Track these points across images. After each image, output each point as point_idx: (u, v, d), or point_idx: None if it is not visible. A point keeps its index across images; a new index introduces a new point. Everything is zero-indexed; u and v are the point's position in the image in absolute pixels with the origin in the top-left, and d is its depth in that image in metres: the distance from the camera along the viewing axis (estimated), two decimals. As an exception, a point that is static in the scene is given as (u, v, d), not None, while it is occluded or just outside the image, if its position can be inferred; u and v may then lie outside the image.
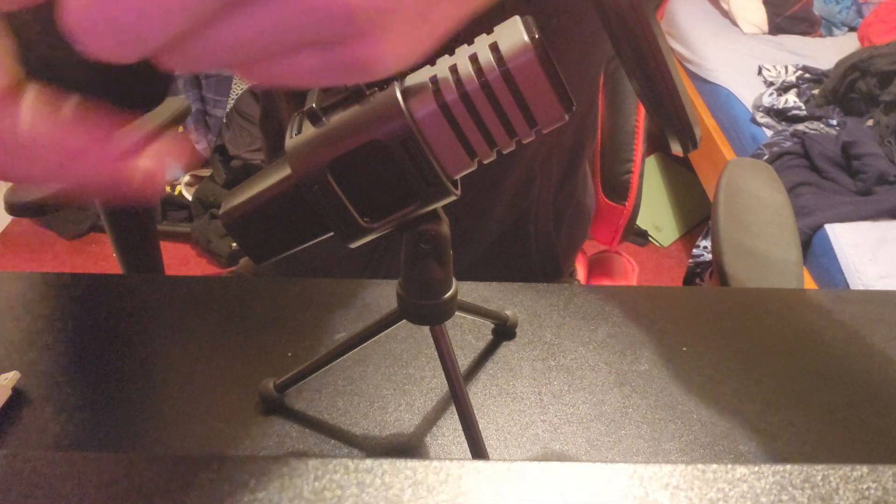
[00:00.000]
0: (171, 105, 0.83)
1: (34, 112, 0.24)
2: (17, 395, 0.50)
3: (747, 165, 0.82)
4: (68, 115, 0.24)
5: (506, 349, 0.55)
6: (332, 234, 0.39)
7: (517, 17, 0.34)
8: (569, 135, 0.73)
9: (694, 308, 0.60)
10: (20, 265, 2.05)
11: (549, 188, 0.74)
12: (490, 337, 0.57)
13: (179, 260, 2.06)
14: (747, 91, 2.03)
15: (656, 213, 2.28)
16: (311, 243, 0.40)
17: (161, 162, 0.26)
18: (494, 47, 0.33)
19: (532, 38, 0.32)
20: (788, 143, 1.78)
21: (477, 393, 0.51)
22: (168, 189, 2.17)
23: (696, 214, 2.27)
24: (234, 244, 1.73)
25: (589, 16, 0.61)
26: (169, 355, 0.54)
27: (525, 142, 0.35)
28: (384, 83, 0.35)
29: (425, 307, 0.42)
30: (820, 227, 1.57)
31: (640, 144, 0.85)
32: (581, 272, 0.93)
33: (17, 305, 0.59)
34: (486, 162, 0.36)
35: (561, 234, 0.79)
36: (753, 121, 1.94)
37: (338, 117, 0.35)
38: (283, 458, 0.31)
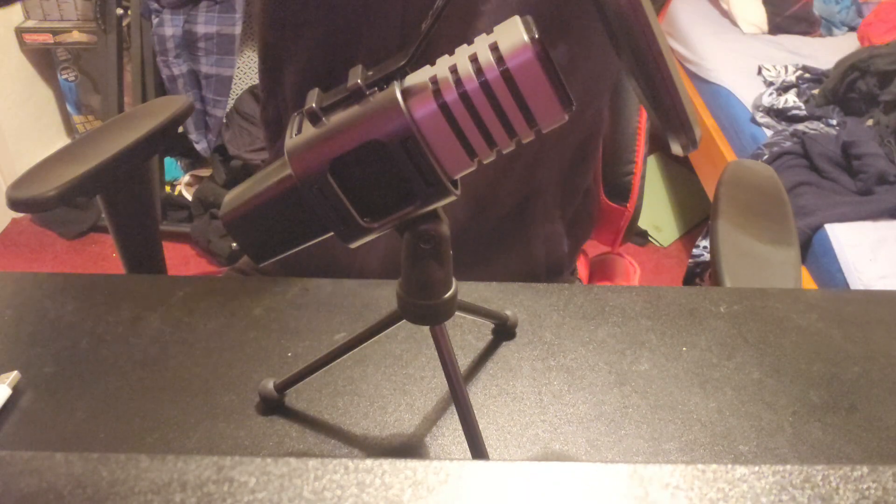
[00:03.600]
0: (172, 104, 0.83)
1: None
2: (17, 395, 0.50)
3: (747, 166, 0.82)
4: None
5: (506, 349, 0.55)
6: (332, 234, 0.39)
7: (517, 17, 0.34)
8: (587, 119, 0.73)
9: (694, 308, 0.60)
10: (20, 265, 2.04)
11: (557, 170, 0.74)
12: (490, 337, 0.57)
13: (179, 260, 2.06)
14: (747, 91, 2.03)
15: (656, 213, 2.28)
16: (311, 243, 0.40)
17: None
18: (494, 47, 0.33)
19: (532, 37, 0.32)
20: (788, 143, 1.78)
21: (477, 393, 0.51)
22: (168, 189, 2.17)
23: (696, 214, 2.27)
24: (234, 244, 1.73)
25: None
26: (169, 355, 0.54)
27: (525, 141, 0.35)
28: (384, 83, 0.35)
29: (425, 307, 0.42)
30: (820, 227, 1.57)
31: (641, 146, 0.85)
32: (583, 274, 0.93)
33: (17, 305, 0.59)
34: (486, 162, 0.36)
35: (565, 222, 0.79)
36: (753, 121, 1.94)
37: (338, 117, 0.35)
38: (283, 458, 0.31)
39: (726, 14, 2.47)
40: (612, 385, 0.52)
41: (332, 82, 0.37)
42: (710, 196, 1.91)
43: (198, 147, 2.06)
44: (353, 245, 0.38)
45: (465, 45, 0.35)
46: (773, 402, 0.51)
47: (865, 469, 0.31)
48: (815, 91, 1.97)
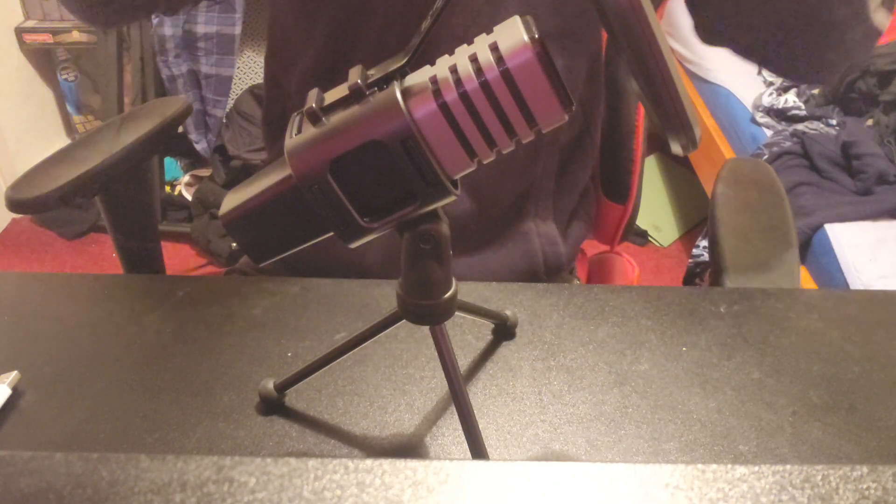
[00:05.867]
0: (172, 105, 0.83)
1: None
2: (17, 395, 0.51)
3: (746, 164, 0.82)
4: None
5: (506, 349, 0.55)
6: (332, 234, 0.39)
7: (517, 17, 0.34)
8: (578, 110, 0.74)
9: (694, 308, 0.60)
10: (20, 265, 2.05)
11: (553, 166, 0.74)
12: (490, 337, 0.57)
13: (179, 260, 2.06)
14: (747, 91, 2.02)
15: (656, 213, 2.28)
16: (311, 243, 0.40)
17: None
18: (494, 47, 0.33)
19: (531, 37, 0.32)
20: (788, 143, 1.78)
21: (477, 393, 0.51)
22: (168, 189, 2.17)
23: (696, 214, 2.27)
24: (234, 244, 1.73)
25: None
26: (169, 355, 0.54)
27: (525, 141, 0.35)
28: (384, 83, 0.35)
29: (425, 307, 0.42)
30: (820, 227, 1.57)
31: (640, 144, 0.85)
32: (582, 273, 0.93)
33: (17, 305, 0.59)
34: (485, 162, 0.36)
35: (562, 220, 0.79)
36: (753, 121, 1.94)
37: (338, 117, 0.35)
38: (283, 458, 0.31)
39: (726, 14, 2.47)
40: (612, 385, 0.52)
41: (340, 80, 0.37)
42: (710, 196, 1.90)
43: (198, 147, 2.06)
44: (353, 245, 0.38)
45: (465, 45, 0.35)
46: (773, 402, 0.51)
47: (865, 469, 0.31)
48: (815, 91, 1.97)
